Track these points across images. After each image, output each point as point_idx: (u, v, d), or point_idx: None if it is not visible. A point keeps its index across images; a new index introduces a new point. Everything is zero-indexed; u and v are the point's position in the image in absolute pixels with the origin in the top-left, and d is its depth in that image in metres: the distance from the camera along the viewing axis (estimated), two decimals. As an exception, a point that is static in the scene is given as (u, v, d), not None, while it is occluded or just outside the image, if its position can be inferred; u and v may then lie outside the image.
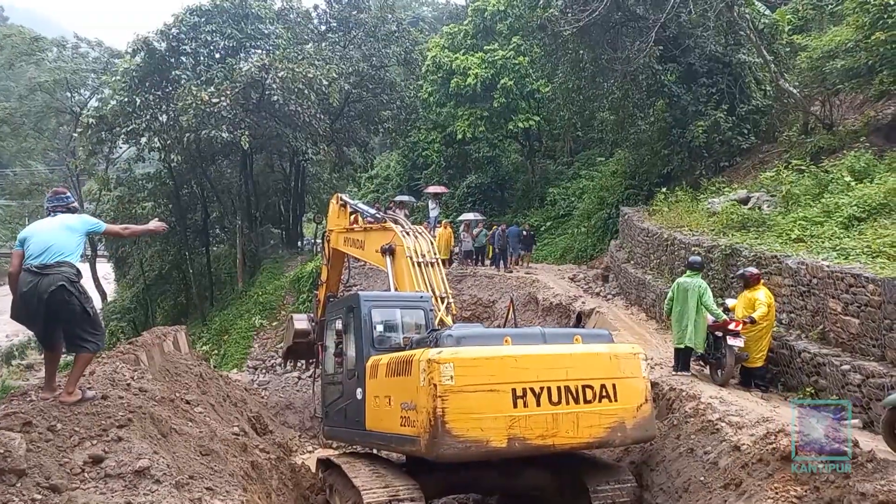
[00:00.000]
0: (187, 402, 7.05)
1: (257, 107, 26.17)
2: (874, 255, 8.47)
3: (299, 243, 35.73)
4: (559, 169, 30.62)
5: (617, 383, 6.81)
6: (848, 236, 9.60)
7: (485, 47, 27.56)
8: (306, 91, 24.94)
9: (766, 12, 17.46)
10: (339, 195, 13.46)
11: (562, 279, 19.08)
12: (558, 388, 6.50)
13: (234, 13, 28.90)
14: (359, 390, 8.12)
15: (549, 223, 26.41)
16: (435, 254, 10.27)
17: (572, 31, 17.46)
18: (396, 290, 9.82)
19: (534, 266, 21.81)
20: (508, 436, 6.23)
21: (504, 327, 11.63)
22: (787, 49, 17.23)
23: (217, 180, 32.42)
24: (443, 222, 23.15)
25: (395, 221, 11.01)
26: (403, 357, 6.98)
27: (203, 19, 28.45)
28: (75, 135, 31.49)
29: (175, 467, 4.82)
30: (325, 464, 9.34)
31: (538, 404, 6.38)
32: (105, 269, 42.30)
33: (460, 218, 25.44)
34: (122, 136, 28.70)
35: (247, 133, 24.81)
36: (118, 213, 29.81)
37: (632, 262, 16.39)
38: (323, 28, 32.08)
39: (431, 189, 26.98)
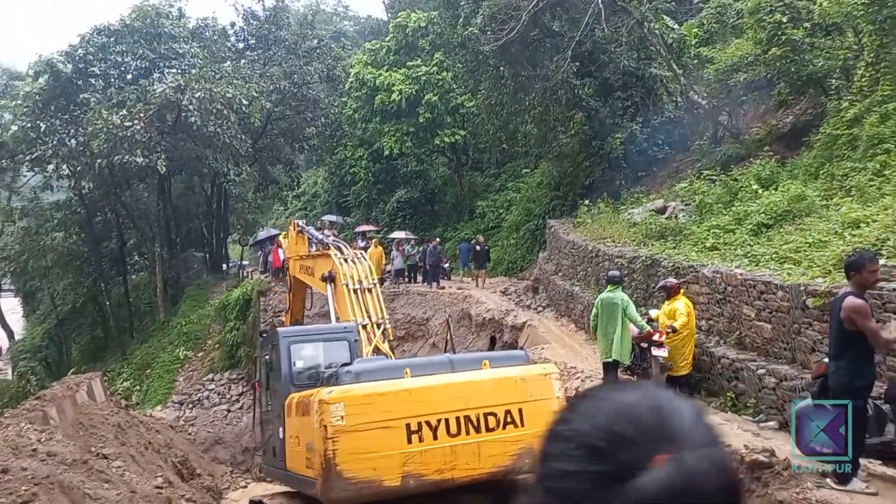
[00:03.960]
0: (104, 458, 6.62)
1: (174, 129, 25.14)
2: (781, 260, 8.95)
3: (224, 266, 34.50)
4: (487, 181, 30.98)
5: (524, 407, 6.52)
6: (758, 243, 10.13)
7: (408, 63, 27.59)
8: (225, 111, 24.19)
9: (674, 27, 18.31)
10: (297, 221, 13.28)
11: (493, 293, 19.23)
12: (457, 419, 6.25)
13: (145, 32, 27.75)
14: (280, 429, 7.89)
15: (478, 236, 26.62)
16: (373, 279, 10.13)
17: (492, 48, 17.75)
18: (338, 318, 9.63)
19: (467, 281, 21.86)
20: (402, 473, 5.97)
21: (445, 349, 11.52)
22: (695, 61, 18.12)
23: (133, 206, 30.87)
24: (373, 240, 22.91)
25: (339, 248, 10.76)
26: (305, 396, 6.77)
27: (112, 39, 27.21)
28: (-29, 163, 29.39)
29: (88, 539, 4.48)
30: (256, 505, 8.99)
31: (435, 437, 6.12)
32: (11, 303, 39.48)
33: (391, 236, 25.27)
34: (26, 163, 27.02)
35: (163, 156, 23.78)
36: (25, 245, 27.95)
37: (559, 273, 16.72)
38: (241, 46, 31.32)
39: (362, 228, 26.81)
